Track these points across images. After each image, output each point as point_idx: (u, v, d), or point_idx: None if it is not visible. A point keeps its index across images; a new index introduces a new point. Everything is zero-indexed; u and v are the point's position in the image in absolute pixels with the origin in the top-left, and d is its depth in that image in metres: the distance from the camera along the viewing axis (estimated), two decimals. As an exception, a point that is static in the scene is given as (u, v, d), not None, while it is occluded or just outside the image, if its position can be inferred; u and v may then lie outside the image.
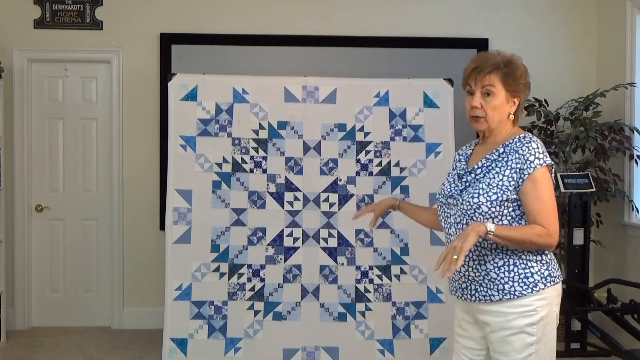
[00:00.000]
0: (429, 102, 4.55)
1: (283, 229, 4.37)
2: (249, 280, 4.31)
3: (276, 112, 4.47)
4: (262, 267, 4.33)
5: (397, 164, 4.47)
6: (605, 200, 4.82)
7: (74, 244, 5.34)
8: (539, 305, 2.19)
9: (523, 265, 2.21)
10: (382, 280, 4.35)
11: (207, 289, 4.27)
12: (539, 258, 2.22)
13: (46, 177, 5.32)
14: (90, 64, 5.30)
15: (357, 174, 4.44)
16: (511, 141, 2.28)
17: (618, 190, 4.79)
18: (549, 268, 2.23)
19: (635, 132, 4.80)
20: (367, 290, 4.34)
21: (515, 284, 2.20)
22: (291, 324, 4.27)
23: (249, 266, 4.32)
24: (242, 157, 4.41)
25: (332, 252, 4.37)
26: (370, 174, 4.45)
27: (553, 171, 2.24)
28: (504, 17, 5.35)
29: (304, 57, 5.24)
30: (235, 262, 4.32)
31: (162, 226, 4.70)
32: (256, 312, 4.27)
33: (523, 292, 2.19)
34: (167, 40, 5.21)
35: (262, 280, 4.31)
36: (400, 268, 4.37)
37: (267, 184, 4.40)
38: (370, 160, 4.46)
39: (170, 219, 4.32)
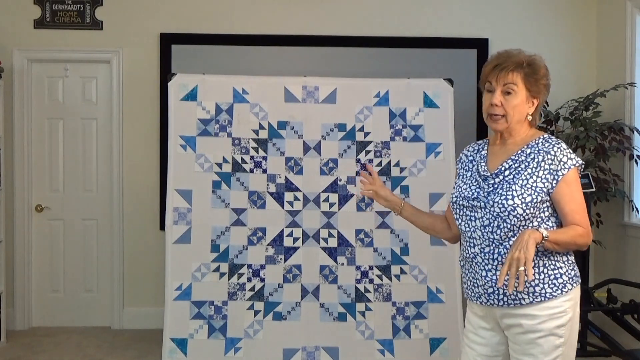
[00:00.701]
0: (429, 102, 4.55)
1: (283, 229, 4.37)
2: (249, 280, 4.31)
3: (276, 112, 4.47)
4: (262, 267, 4.33)
5: (397, 164, 4.47)
6: (605, 200, 4.82)
7: (74, 244, 5.34)
8: (568, 307, 2.19)
9: (552, 267, 2.20)
10: (382, 280, 4.35)
11: (207, 289, 4.27)
12: (565, 259, 2.22)
13: (46, 177, 5.32)
14: (90, 64, 5.30)
15: (357, 174, 4.44)
16: (535, 141, 2.25)
17: (618, 190, 4.79)
18: (575, 268, 2.25)
19: (635, 132, 4.80)
20: (367, 290, 4.34)
21: (546, 286, 2.18)
22: (291, 324, 4.27)
23: (249, 266, 4.32)
24: (242, 157, 4.41)
25: (332, 252, 4.37)
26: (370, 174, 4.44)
27: (581, 170, 2.25)
28: (504, 17, 5.36)
29: (304, 57, 5.24)
30: (235, 262, 4.32)
31: (162, 226, 4.70)
32: (256, 312, 4.27)
33: (553, 293, 2.17)
34: (167, 40, 5.21)
35: (262, 280, 4.31)
36: (400, 268, 4.37)
37: (267, 184, 4.40)
38: (370, 161, 4.46)
39: (170, 219, 4.32)
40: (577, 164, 2.20)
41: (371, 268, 4.36)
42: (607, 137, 4.80)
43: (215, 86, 4.47)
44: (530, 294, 2.18)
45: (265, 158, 4.42)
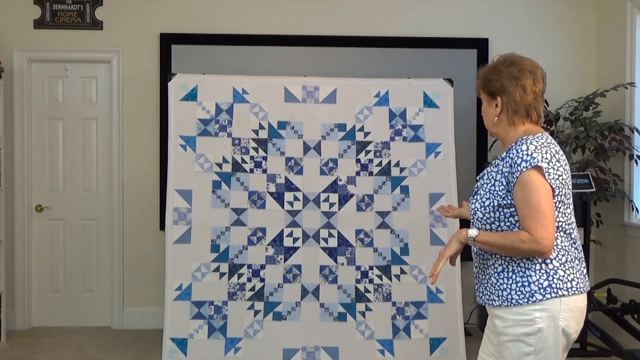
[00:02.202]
0: (429, 102, 4.55)
1: (283, 229, 4.37)
2: (249, 280, 4.31)
3: (276, 112, 4.47)
4: (262, 267, 4.33)
5: (397, 164, 4.47)
6: (605, 200, 4.82)
7: (74, 244, 5.34)
8: (538, 316, 2.13)
9: (521, 274, 2.17)
10: (382, 280, 4.35)
11: (207, 289, 4.27)
12: (537, 267, 2.15)
13: (46, 177, 5.32)
14: (90, 64, 5.30)
15: (357, 174, 4.44)
16: (513, 145, 2.22)
17: (618, 190, 4.79)
18: (550, 279, 2.14)
19: (635, 132, 4.80)
20: (367, 290, 4.34)
21: (513, 292, 2.17)
22: (291, 324, 4.27)
23: (249, 266, 4.32)
24: (242, 157, 4.41)
25: (332, 252, 4.37)
26: (370, 174, 4.45)
27: (545, 169, 2.12)
28: (504, 17, 5.36)
29: (304, 57, 5.24)
30: (235, 262, 4.32)
31: (162, 226, 4.70)
32: (256, 312, 4.27)
33: (520, 301, 2.15)
34: (167, 40, 5.21)
35: (262, 280, 4.31)
36: (400, 268, 4.37)
37: (267, 184, 4.40)
38: (370, 160, 4.46)
39: (170, 219, 4.32)
40: (532, 166, 2.11)
41: (371, 268, 4.36)
42: (607, 137, 4.80)
43: (215, 86, 4.47)
44: (499, 297, 2.20)
45: (265, 158, 4.42)
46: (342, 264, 4.35)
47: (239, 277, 4.31)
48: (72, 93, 5.32)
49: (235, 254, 4.33)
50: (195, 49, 5.22)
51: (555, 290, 2.13)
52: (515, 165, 2.14)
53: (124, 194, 5.27)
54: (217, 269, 4.30)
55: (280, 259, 4.34)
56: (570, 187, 2.24)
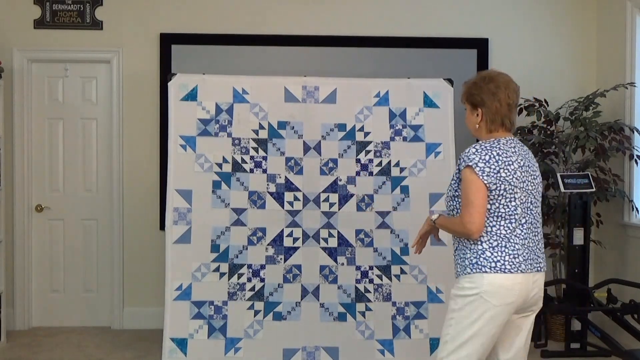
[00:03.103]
0: (429, 102, 4.55)
1: (283, 229, 4.37)
2: (249, 280, 4.31)
3: (276, 112, 4.47)
4: (262, 267, 4.33)
5: (397, 164, 4.47)
6: (605, 200, 4.82)
7: (74, 244, 5.34)
8: (467, 286, 2.60)
9: (462, 252, 2.68)
10: (382, 280, 4.35)
11: (207, 289, 4.27)
12: (472, 247, 2.63)
13: (46, 177, 5.32)
14: (90, 64, 5.30)
15: (357, 174, 4.44)
16: None
17: (618, 190, 4.79)
18: (478, 257, 2.60)
19: (635, 132, 4.80)
20: (367, 290, 4.34)
21: (458, 266, 2.69)
22: (291, 324, 4.27)
23: (249, 266, 4.32)
24: (242, 157, 4.41)
25: (332, 252, 4.37)
26: (370, 174, 4.45)
27: (480, 168, 2.55)
28: (504, 17, 5.36)
29: (304, 57, 5.24)
30: (235, 262, 4.32)
31: (162, 226, 4.70)
32: (256, 312, 4.27)
33: (459, 272, 2.68)
34: (167, 40, 5.21)
35: (262, 280, 4.31)
36: (400, 268, 4.37)
37: (267, 184, 4.40)
38: (370, 160, 4.46)
39: (170, 219, 4.31)
40: (467, 165, 2.58)
41: (371, 268, 4.36)
42: (607, 137, 4.80)
43: (215, 86, 4.47)
44: (455, 270, 2.71)
45: (265, 158, 4.42)
46: (342, 264, 4.35)
47: (239, 277, 4.31)
48: (72, 93, 5.32)
49: (235, 254, 4.33)
50: (195, 49, 5.22)
51: (480, 267, 2.59)
52: (459, 165, 2.65)
53: (124, 194, 5.27)
54: (217, 269, 4.30)
55: (280, 259, 4.34)
56: (519, 183, 2.60)
